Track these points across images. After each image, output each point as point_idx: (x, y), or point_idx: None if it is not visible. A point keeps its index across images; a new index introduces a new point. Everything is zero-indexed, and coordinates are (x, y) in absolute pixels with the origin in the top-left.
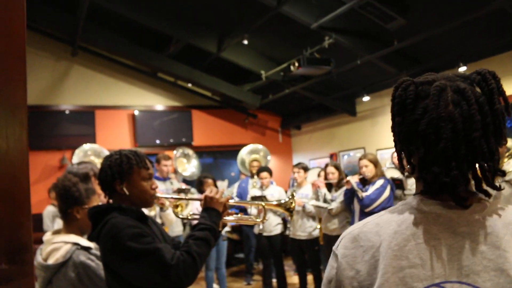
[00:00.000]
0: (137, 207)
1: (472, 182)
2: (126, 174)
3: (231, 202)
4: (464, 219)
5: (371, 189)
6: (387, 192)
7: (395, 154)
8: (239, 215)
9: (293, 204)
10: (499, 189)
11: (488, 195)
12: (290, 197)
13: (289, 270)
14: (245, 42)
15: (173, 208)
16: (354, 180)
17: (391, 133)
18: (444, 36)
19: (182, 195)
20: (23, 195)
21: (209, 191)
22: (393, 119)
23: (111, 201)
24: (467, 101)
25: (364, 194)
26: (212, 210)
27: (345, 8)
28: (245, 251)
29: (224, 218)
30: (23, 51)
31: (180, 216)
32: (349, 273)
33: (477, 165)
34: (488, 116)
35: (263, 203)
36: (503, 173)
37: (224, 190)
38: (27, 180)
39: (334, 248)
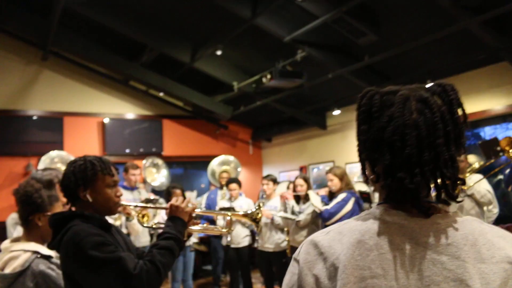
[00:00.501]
0: (100, 215)
1: (433, 192)
2: (90, 180)
3: (197, 211)
4: (425, 229)
5: (332, 203)
6: (348, 206)
7: None
8: (205, 225)
9: (260, 215)
10: (456, 199)
11: (448, 204)
12: (257, 207)
13: (257, 282)
14: (219, 53)
15: (139, 218)
16: (315, 193)
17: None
18: (413, 53)
19: (149, 204)
20: None
21: (175, 200)
22: (358, 127)
23: (73, 208)
24: (430, 109)
25: (323, 208)
26: (178, 220)
27: (318, 22)
28: (213, 263)
29: (190, 227)
30: None
31: (145, 225)
32: (310, 279)
33: (438, 174)
34: (449, 125)
35: (229, 213)
36: (463, 182)
37: (190, 199)
38: None
39: (295, 255)
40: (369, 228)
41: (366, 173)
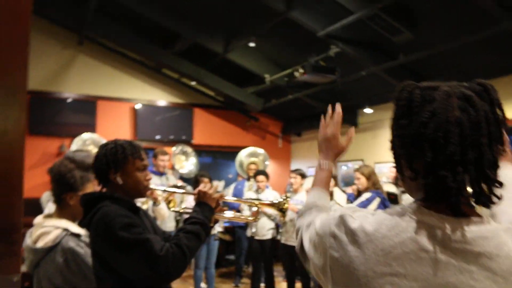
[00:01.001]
0: (130, 198)
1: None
2: (120, 163)
3: (225, 198)
4: (458, 234)
5: (356, 202)
6: (372, 206)
7: (393, 169)
8: (231, 213)
9: (286, 205)
10: (494, 202)
11: (488, 207)
12: (284, 197)
13: (278, 276)
14: (252, 44)
15: (166, 203)
16: (340, 191)
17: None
18: (450, 54)
19: (177, 190)
20: (17, 177)
21: (203, 186)
22: (396, 122)
23: (104, 190)
24: (474, 107)
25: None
26: (205, 205)
27: (353, 18)
28: (236, 253)
29: (217, 214)
30: (27, 36)
31: (172, 210)
32: (335, 253)
33: (480, 175)
34: (492, 124)
35: (256, 202)
36: (501, 184)
37: (218, 186)
38: (22, 163)
39: (333, 223)
40: (398, 224)
41: (402, 170)
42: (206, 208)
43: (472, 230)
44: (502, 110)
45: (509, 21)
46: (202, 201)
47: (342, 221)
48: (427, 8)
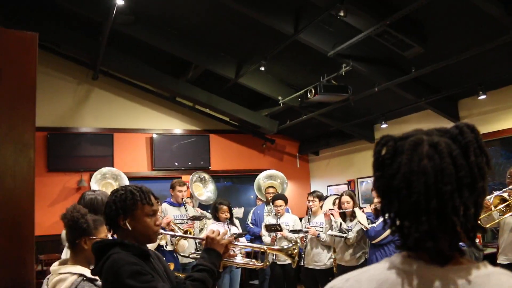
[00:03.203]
0: (139, 243)
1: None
2: (129, 209)
3: (233, 243)
4: (446, 282)
5: (378, 221)
6: None
7: None
8: (240, 259)
9: (296, 251)
10: (474, 246)
11: (463, 254)
12: (294, 243)
13: None
14: (262, 68)
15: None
16: (361, 211)
17: None
18: (463, 64)
19: (188, 231)
20: (28, 233)
21: (211, 232)
22: (373, 173)
23: (115, 236)
24: (439, 154)
25: (369, 226)
26: (213, 251)
27: (362, 36)
28: (260, 279)
29: (225, 259)
30: (33, 93)
31: (182, 255)
32: None
33: (448, 222)
34: (462, 170)
35: (265, 247)
36: (481, 229)
37: (227, 231)
38: (32, 218)
39: None
40: (387, 278)
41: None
42: (214, 254)
43: (460, 276)
44: (483, 151)
45: None
46: (210, 247)
47: None
48: (436, 21)
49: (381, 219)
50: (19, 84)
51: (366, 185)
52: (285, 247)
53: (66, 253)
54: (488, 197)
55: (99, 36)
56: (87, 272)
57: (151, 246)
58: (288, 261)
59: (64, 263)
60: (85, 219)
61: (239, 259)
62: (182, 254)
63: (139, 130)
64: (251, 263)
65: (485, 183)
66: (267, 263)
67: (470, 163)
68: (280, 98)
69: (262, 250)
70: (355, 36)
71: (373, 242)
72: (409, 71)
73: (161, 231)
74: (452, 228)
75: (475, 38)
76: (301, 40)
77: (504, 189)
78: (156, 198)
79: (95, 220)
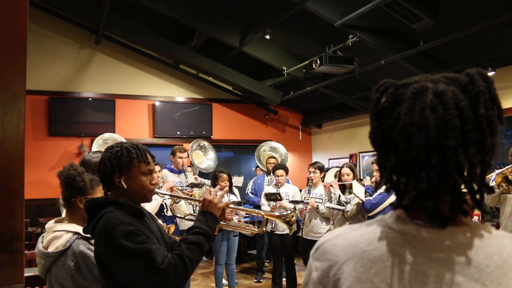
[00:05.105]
0: (134, 202)
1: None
2: (125, 167)
3: (231, 207)
4: (440, 243)
5: (375, 194)
6: (392, 197)
7: None
8: (236, 221)
9: (294, 218)
10: (480, 208)
11: (466, 214)
12: (292, 210)
13: (300, 270)
14: (267, 37)
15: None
16: (359, 183)
17: None
18: (473, 39)
19: (184, 193)
20: (17, 185)
21: (208, 194)
22: (370, 123)
23: (109, 193)
24: (444, 104)
25: (365, 199)
26: (209, 214)
27: (371, 5)
28: (257, 248)
29: (221, 223)
30: (24, 42)
31: (178, 216)
32: (318, 287)
33: (450, 181)
34: (469, 123)
35: (262, 213)
36: (490, 190)
37: (224, 193)
38: (22, 170)
39: (311, 253)
40: (376, 237)
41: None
42: (210, 217)
43: (458, 238)
44: (495, 103)
45: None
46: (206, 210)
47: (320, 250)
48: None
49: (378, 191)
50: (8, 32)
51: (368, 159)
52: (284, 213)
53: (63, 213)
54: (489, 175)
55: None
56: (82, 230)
57: (151, 210)
58: (287, 231)
59: (60, 221)
60: (82, 178)
61: (235, 222)
62: (179, 216)
63: (142, 97)
64: (247, 227)
65: (494, 139)
66: (263, 229)
67: (479, 115)
68: (284, 68)
69: (260, 215)
70: (364, 6)
71: (369, 214)
72: (417, 44)
73: (157, 190)
74: (455, 188)
75: (487, 12)
76: (308, 9)
77: (507, 167)
78: (153, 156)
79: (92, 179)
